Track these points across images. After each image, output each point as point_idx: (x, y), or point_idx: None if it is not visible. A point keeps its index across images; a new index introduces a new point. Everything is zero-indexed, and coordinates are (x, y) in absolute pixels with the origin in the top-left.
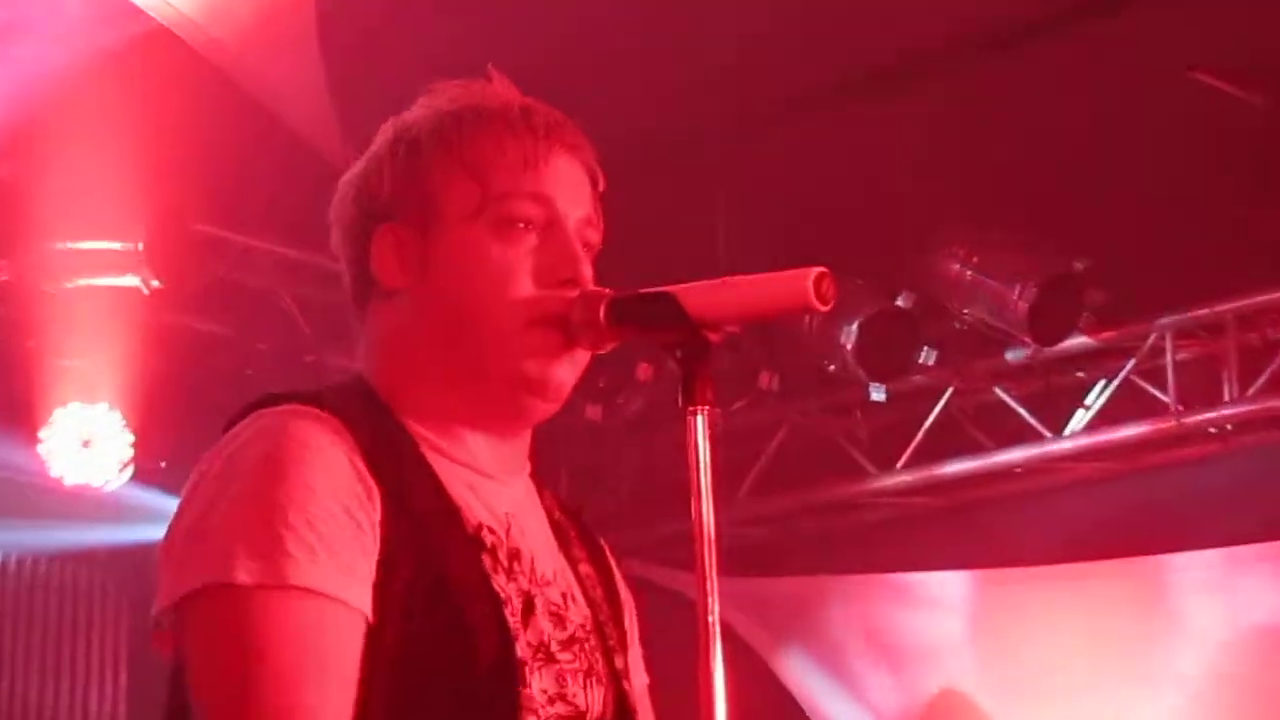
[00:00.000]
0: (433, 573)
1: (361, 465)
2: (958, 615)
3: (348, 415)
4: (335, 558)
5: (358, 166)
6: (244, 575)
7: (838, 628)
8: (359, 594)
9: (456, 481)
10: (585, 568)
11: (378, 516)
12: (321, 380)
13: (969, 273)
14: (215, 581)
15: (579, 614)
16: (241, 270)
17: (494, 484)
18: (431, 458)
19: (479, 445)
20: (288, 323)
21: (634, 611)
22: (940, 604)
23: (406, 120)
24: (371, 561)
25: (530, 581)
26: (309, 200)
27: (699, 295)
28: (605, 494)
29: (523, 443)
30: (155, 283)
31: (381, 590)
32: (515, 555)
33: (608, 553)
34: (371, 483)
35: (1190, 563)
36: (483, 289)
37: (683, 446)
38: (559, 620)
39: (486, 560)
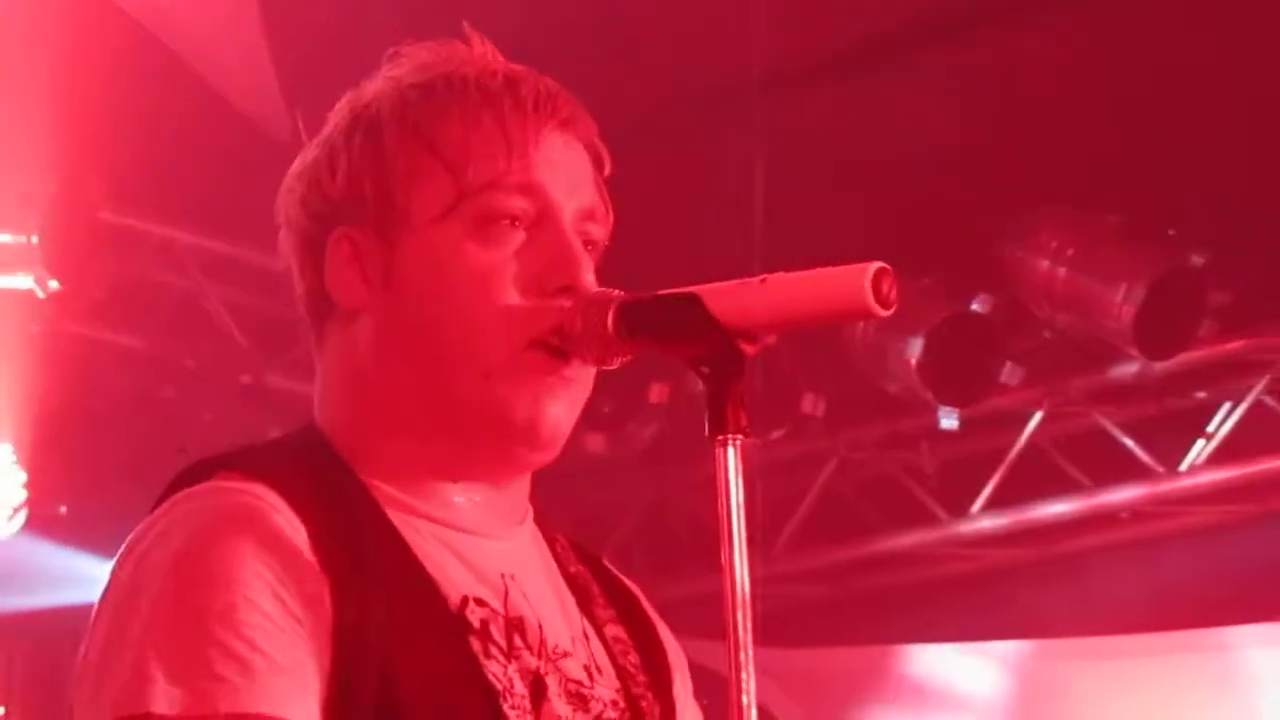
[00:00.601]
0: (404, 675)
1: (306, 550)
2: (1050, 693)
3: (290, 485)
4: (275, 672)
5: (306, 156)
6: (164, 705)
7: (902, 709)
8: (307, 712)
9: (435, 546)
10: (614, 629)
11: (328, 613)
12: (263, 407)
13: (1062, 270)
14: (131, 714)
15: (607, 689)
16: (160, 269)
17: (485, 542)
18: (402, 522)
19: (463, 498)
20: (219, 334)
21: (685, 669)
22: (1028, 679)
23: (364, 96)
24: (322, 671)
25: (540, 657)
26: (245, 182)
27: (730, 298)
28: (610, 545)
29: (520, 488)
30: (53, 284)
31: (339, 706)
32: (518, 627)
33: (642, 604)
34: (319, 571)
35: None
36: (458, 305)
37: (707, 485)
38: (581, 701)
39: (475, 643)
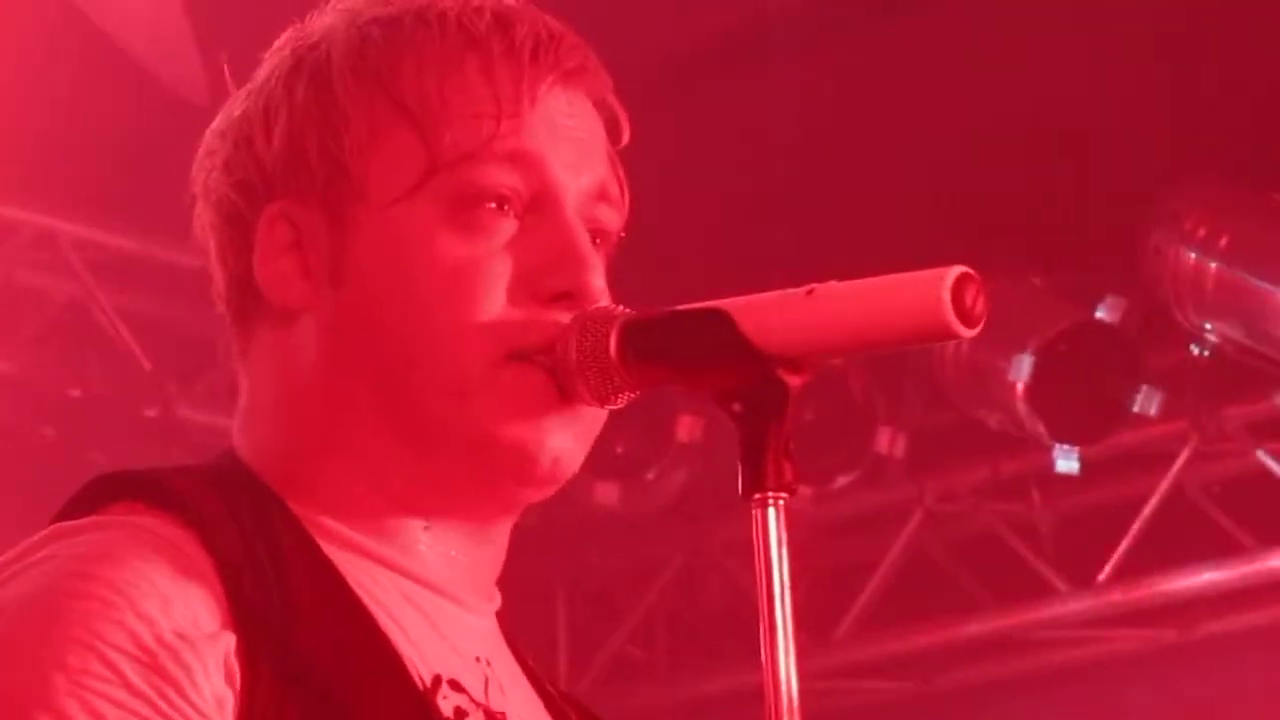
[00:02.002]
0: None
1: (212, 603)
2: None
3: (203, 516)
4: None
5: (232, 109)
6: None
7: None
8: None
9: (397, 602)
10: None
11: (237, 689)
12: (172, 447)
13: (1213, 264)
14: None
15: None
16: (37, 270)
17: (459, 611)
18: (350, 566)
19: (434, 547)
20: (114, 354)
21: None
22: None
23: (311, 34)
24: None
25: None
26: (149, 159)
27: (768, 314)
28: (626, 627)
29: (498, 546)
30: None
31: None
32: None
33: None
34: (230, 630)
35: None
36: (428, 308)
37: (750, 547)
38: None
39: None
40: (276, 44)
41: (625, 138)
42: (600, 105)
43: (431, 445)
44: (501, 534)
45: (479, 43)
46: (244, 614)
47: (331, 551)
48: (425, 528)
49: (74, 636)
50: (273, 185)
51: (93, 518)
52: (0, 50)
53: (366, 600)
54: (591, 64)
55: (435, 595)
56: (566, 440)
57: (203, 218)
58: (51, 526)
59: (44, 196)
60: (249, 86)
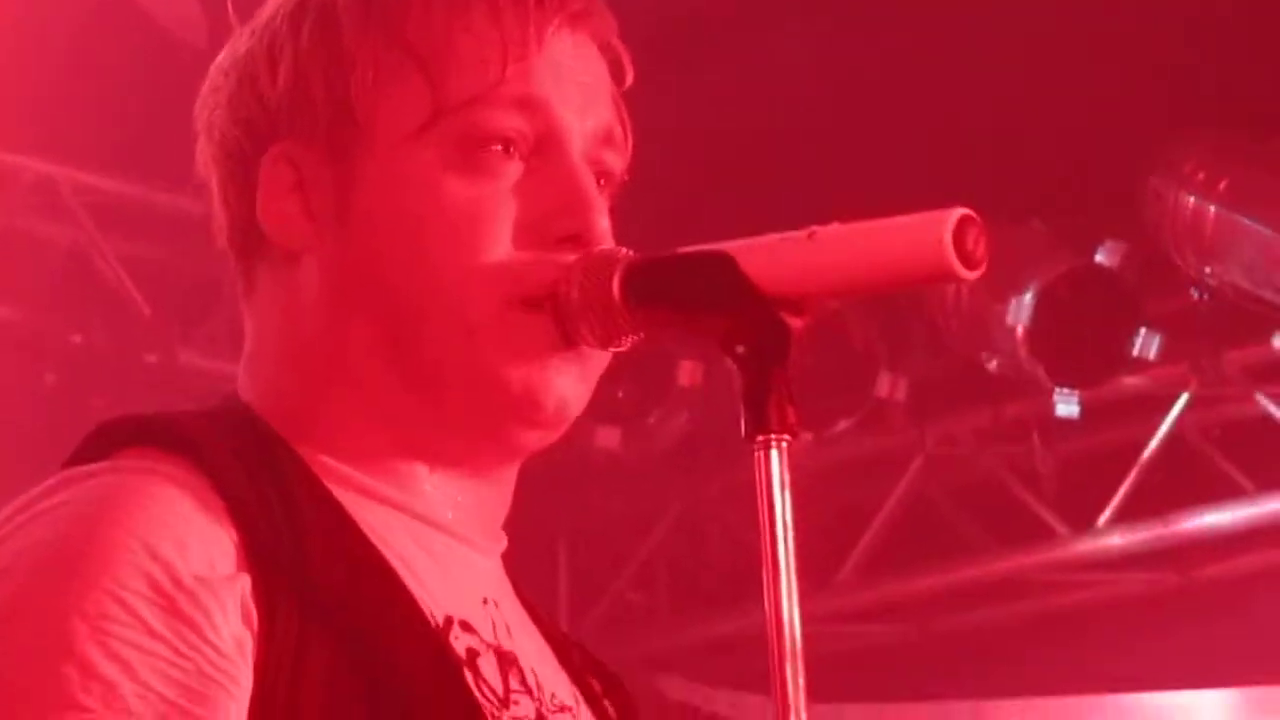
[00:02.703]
0: (378, 711)
1: (231, 545)
2: None
3: (214, 459)
4: (161, 699)
5: (237, 46)
6: None
7: None
8: None
9: (404, 541)
10: (610, 707)
11: (254, 631)
12: (174, 394)
13: (1213, 208)
14: None
15: None
16: (38, 216)
17: (466, 550)
18: (357, 506)
19: (440, 488)
20: (115, 300)
21: None
22: None
23: None
24: (238, 694)
25: (539, 705)
26: (150, 103)
27: (770, 257)
28: (627, 573)
29: (504, 490)
30: None
31: None
32: (512, 665)
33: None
34: (246, 564)
35: None
36: (430, 255)
37: (752, 492)
38: None
39: (469, 676)
40: None
41: (629, 79)
42: (605, 48)
43: (436, 386)
44: (507, 478)
45: None
46: (259, 556)
47: (338, 492)
48: (430, 470)
49: (92, 582)
50: (276, 125)
51: (105, 463)
52: None
53: (376, 541)
54: (596, 7)
55: (443, 535)
56: (571, 383)
57: (205, 154)
58: (62, 473)
59: (44, 142)
60: (253, 24)
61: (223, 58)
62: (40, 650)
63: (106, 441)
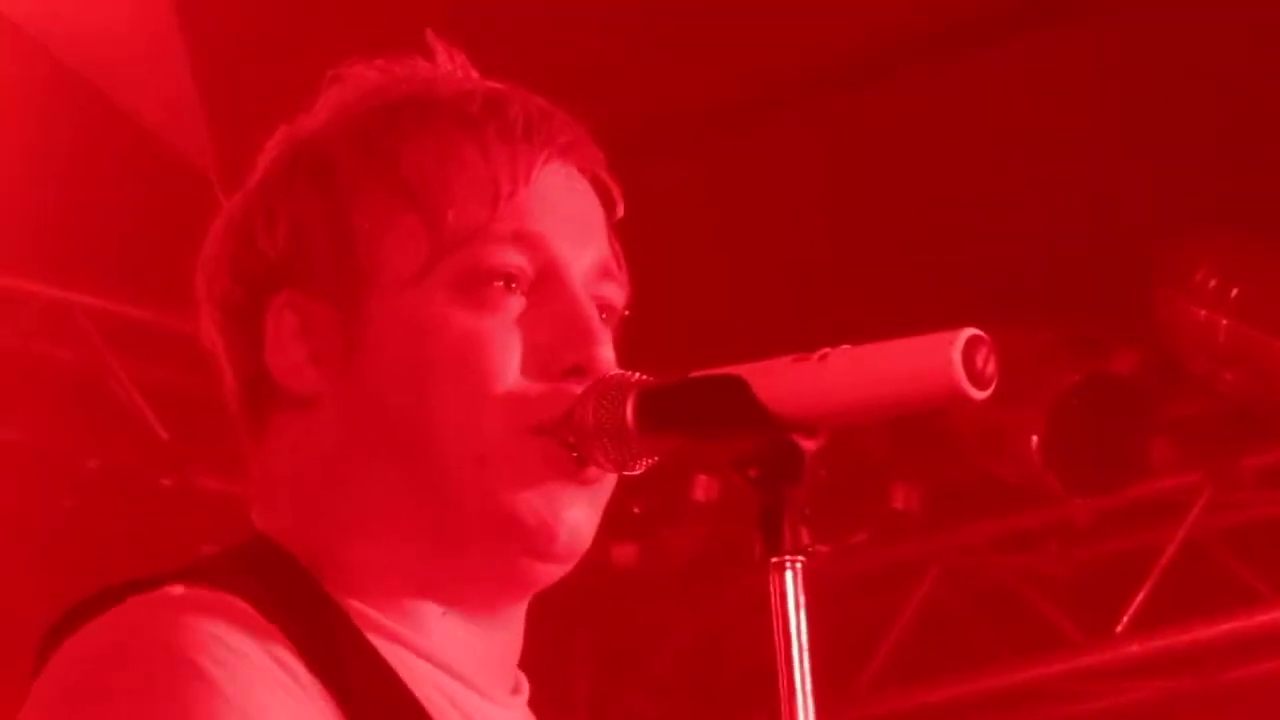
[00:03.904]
0: None
1: (300, 670)
2: None
3: (261, 599)
4: None
5: (231, 212)
6: None
7: None
8: None
9: (437, 698)
10: None
11: None
12: (192, 517)
13: (1224, 317)
14: None
15: None
16: (51, 339)
17: (488, 705)
18: (392, 655)
19: (453, 635)
20: (130, 422)
21: None
22: None
23: (307, 129)
24: None
25: None
26: (162, 227)
27: (782, 380)
28: (643, 687)
29: (515, 629)
30: None
31: None
32: None
33: None
34: (319, 695)
35: None
36: (443, 382)
37: (768, 607)
38: None
39: None
40: (269, 144)
41: (620, 211)
42: (594, 181)
43: (452, 521)
44: (516, 619)
45: (474, 124)
46: (334, 690)
47: (374, 639)
48: (443, 613)
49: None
50: (278, 277)
51: (162, 591)
52: (6, 121)
53: (415, 691)
54: (584, 139)
55: (462, 686)
56: (582, 512)
57: (208, 321)
58: (107, 613)
59: (56, 267)
60: (245, 189)
61: (216, 227)
62: None
63: (135, 584)
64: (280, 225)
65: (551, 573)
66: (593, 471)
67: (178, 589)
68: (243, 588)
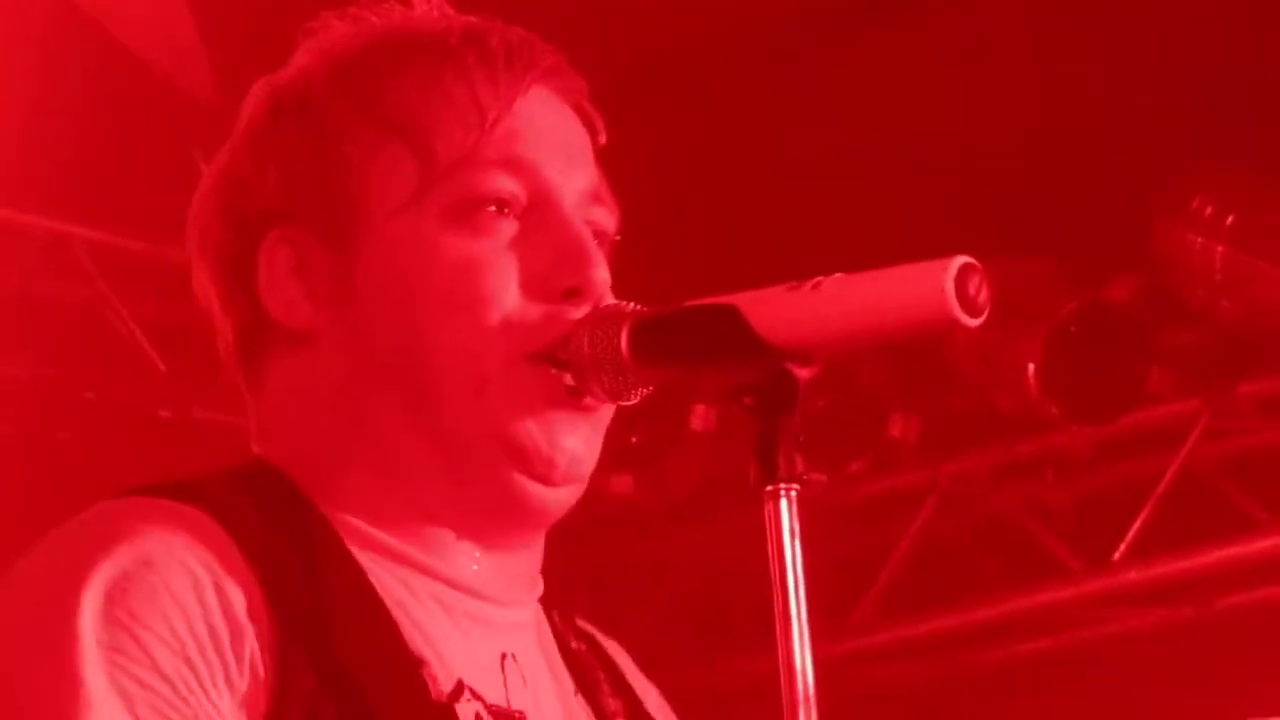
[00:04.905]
0: None
1: (241, 595)
2: None
3: (231, 512)
4: None
5: (220, 163)
6: None
7: None
8: None
9: (422, 605)
10: None
11: (263, 685)
12: (189, 449)
13: (1220, 245)
14: None
15: None
16: (51, 275)
17: (492, 608)
18: (375, 567)
19: (466, 553)
20: (129, 356)
21: None
22: None
23: (286, 78)
24: None
25: None
26: (161, 160)
27: (776, 308)
28: (643, 617)
29: (533, 552)
30: None
31: None
32: None
33: (650, 697)
34: (260, 624)
35: None
36: (440, 308)
37: (761, 540)
38: None
39: None
40: (249, 96)
41: (603, 138)
42: (578, 108)
43: (449, 453)
44: (534, 544)
45: (454, 55)
46: (278, 614)
47: (359, 554)
48: (456, 537)
49: (110, 611)
50: (269, 219)
51: (131, 500)
52: (7, 57)
53: (391, 605)
54: (564, 67)
55: (465, 596)
56: (582, 438)
57: (202, 275)
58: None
59: (55, 201)
60: (229, 142)
61: (205, 180)
62: (51, 672)
63: (116, 495)
64: (269, 168)
65: (558, 500)
66: (590, 400)
67: (141, 500)
68: (208, 499)
